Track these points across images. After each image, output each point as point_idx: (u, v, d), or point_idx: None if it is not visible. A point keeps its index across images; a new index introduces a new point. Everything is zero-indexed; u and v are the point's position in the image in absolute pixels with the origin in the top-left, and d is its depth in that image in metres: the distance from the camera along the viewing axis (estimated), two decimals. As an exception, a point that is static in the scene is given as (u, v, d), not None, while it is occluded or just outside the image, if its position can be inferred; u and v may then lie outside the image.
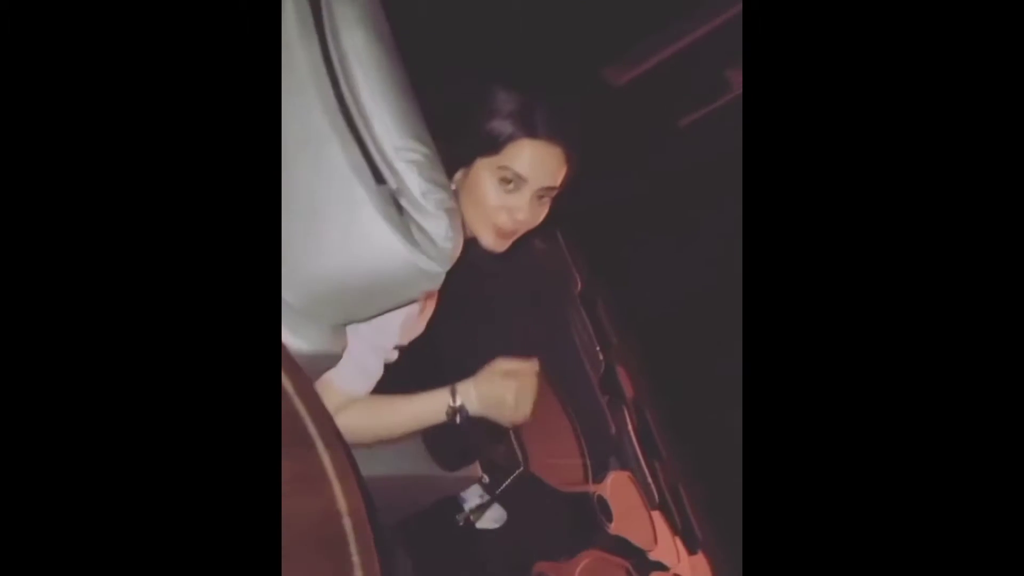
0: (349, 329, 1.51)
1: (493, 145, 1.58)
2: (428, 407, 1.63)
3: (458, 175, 1.63)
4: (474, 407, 1.64)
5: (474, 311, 1.88)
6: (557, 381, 2.31)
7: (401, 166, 1.35)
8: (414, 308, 1.57)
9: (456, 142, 1.57)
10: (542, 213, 1.66)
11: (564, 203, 1.74)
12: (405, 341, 1.63)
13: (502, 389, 1.65)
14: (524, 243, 1.89)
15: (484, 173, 1.59)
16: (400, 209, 1.35)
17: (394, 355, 1.62)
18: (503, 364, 1.68)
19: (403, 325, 1.56)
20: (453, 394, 1.64)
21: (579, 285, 2.46)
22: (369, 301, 1.42)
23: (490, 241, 1.63)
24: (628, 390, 2.40)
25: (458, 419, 1.63)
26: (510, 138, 1.57)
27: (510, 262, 1.92)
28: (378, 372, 1.60)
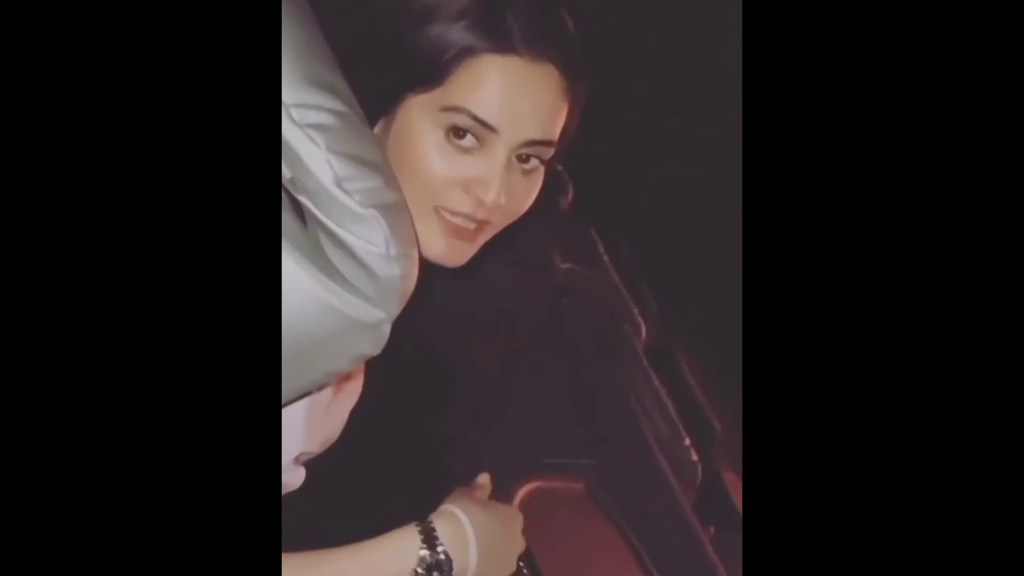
0: None
1: (431, 70, 1.05)
2: (381, 566, 1.07)
3: (377, 128, 1.09)
4: (469, 557, 1.10)
5: (439, 389, 1.26)
6: (617, 507, 1.40)
7: (295, 137, 0.88)
8: (323, 394, 1.02)
9: (368, 71, 1.03)
10: (531, 190, 1.13)
11: (599, 176, 1.34)
12: (317, 447, 1.07)
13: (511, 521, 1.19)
14: (538, 258, 1.41)
15: (419, 122, 1.06)
16: (302, 214, 0.90)
17: (298, 476, 1.06)
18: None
19: (309, 421, 1.02)
20: (429, 536, 1.09)
21: (643, 331, 1.49)
22: None
23: (436, 245, 1.09)
24: (750, 513, 1.39)
25: None
26: (462, 55, 1.04)
27: (508, 295, 1.38)
28: None
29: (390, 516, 1.11)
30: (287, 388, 0.91)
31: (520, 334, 1.34)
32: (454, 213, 1.08)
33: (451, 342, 1.26)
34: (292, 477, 1.05)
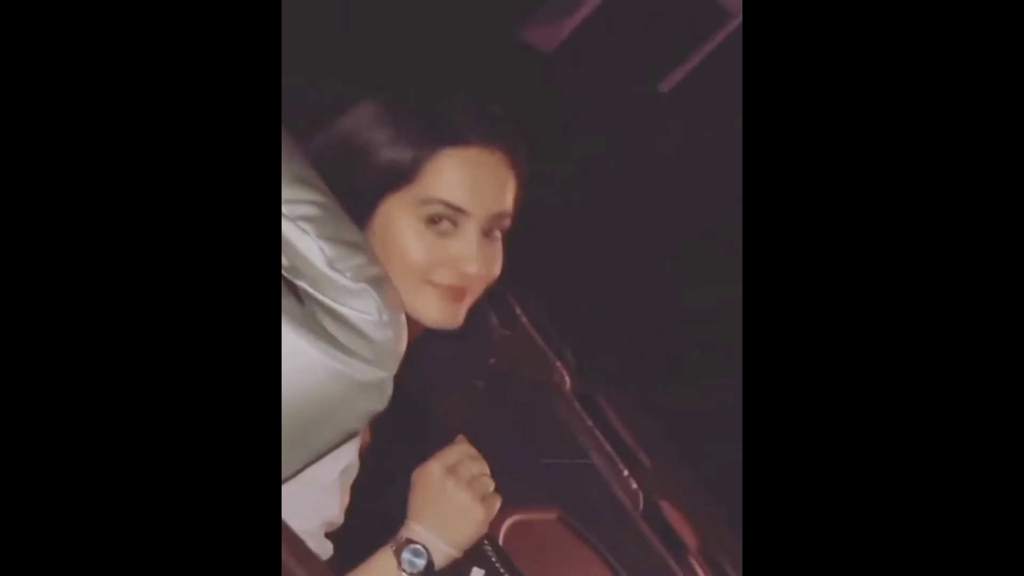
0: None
1: (401, 173, 1.22)
2: None
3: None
4: (441, 550, 1.20)
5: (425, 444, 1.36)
6: (590, 532, 1.51)
7: (288, 229, 1.01)
8: (353, 464, 1.17)
9: (344, 184, 1.18)
10: (498, 256, 1.29)
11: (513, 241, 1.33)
12: (343, 518, 1.21)
13: (461, 496, 1.22)
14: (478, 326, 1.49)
15: (399, 218, 1.23)
16: (298, 295, 1.02)
17: (328, 549, 1.18)
18: (434, 466, 1.25)
19: (344, 494, 1.16)
20: (399, 550, 1.18)
21: (567, 380, 1.58)
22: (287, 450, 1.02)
23: (435, 311, 1.24)
24: (688, 536, 1.49)
25: None
26: (424, 156, 1.22)
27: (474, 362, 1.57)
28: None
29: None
30: (309, 450, 1.03)
31: (480, 391, 1.54)
32: (441, 283, 1.23)
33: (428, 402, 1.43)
34: (324, 550, 1.14)
